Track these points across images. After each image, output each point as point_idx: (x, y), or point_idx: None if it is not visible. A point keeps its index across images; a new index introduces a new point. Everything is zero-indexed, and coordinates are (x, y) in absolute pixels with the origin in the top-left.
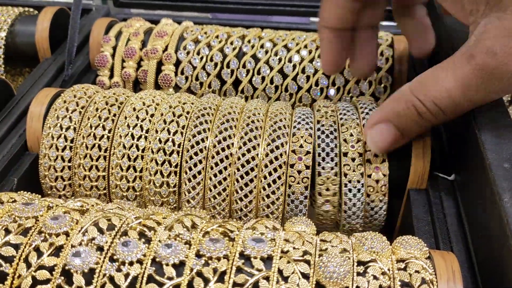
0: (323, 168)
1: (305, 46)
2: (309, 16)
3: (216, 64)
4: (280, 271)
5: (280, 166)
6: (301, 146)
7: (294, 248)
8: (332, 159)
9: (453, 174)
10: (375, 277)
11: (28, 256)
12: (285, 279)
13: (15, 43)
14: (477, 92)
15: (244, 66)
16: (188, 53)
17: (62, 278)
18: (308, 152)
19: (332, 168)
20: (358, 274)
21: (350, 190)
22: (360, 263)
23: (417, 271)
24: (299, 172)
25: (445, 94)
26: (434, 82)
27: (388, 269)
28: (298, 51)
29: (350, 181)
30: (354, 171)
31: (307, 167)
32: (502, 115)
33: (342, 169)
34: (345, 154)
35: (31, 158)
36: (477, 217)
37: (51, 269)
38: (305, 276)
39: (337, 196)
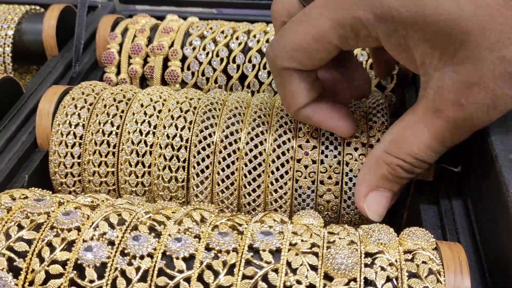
0: (326, 156)
1: None
2: None
3: (222, 59)
4: (288, 263)
5: (287, 161)
6: (307, 141)
7: (302, 240)
8: (335, 148)
9: (460, 165)
10: (382, 268)
11: (41, 251)
12: (294, 271)
13: (22, 41)
14: (452, 140)
15: (250, 61)
16: (194, 48)
17: (75, 272)
18: (314, 147)
19: (335, 156)
20: (366, 265)
21: (351, 179)
22: (367, 254)
23: (424, 262)
24: (305, 167)
25: (424, 148)
26: (410, 140)
27: (396, 260)
28: None
29: (351, 170)
30: (356, 160)
31: (314, 162)
32: None
33: (344, 158)
34: (348, 144)
35: (41, 155)
36: (483, 208)
37: (63, 264)
38: (314, 268)
39: (338, 185)
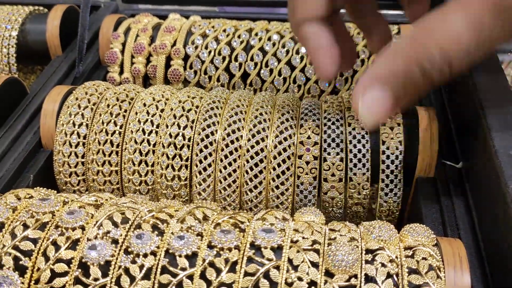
0: (328, 153)
1: None
2: None
3: (224, 58)
4: (290, 261)
5: (289, 158)
6: (308, 137)
7: (303, 237)
8: (337, 145)
9: (461, 162)
10: (383, 265)
11: (46, 249)
12: (295, 268)
13: (26, 42)
14: (490, 34)
15: (252, 59)
16: (196, 47)
17: (80, 270)
18: (315, 143)
19: (337, 154)
20: (367, 262)
21: (355, 174)
22: (368, 251)
23: (424, 258)
24: (307, 163)
25: (455, 39)
26: (442, 25)
27: (396, 257)
28: None
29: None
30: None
31: (315, 158)
32: (509, 103)
33: (348, 154)
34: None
35: (46, 155)
36: (484, 204)
37: (68, 262)
38: (315, 265)
39: (342, 182)
